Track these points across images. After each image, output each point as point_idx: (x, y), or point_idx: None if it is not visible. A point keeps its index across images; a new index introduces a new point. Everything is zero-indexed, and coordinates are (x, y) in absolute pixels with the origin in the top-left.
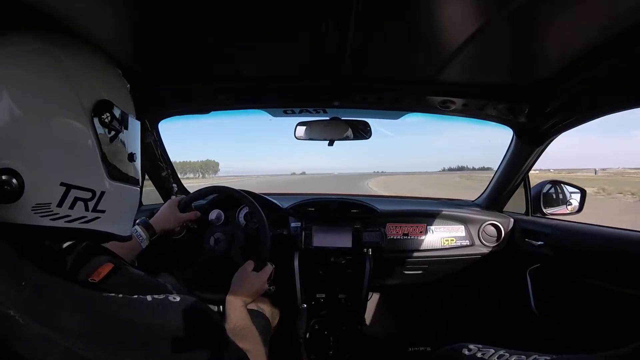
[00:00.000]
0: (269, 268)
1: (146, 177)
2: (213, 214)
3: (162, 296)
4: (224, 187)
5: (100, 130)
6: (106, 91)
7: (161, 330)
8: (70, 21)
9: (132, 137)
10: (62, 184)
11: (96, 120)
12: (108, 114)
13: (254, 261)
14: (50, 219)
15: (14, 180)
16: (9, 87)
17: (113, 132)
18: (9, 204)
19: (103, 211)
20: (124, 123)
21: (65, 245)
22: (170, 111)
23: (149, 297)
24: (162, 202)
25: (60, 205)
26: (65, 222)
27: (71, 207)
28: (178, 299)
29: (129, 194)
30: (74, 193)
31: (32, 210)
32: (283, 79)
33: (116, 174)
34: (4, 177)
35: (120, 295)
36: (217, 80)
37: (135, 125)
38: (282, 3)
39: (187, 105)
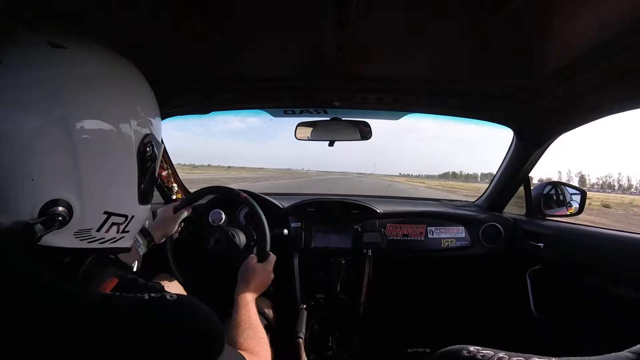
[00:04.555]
0: (273, 257)
1: None
2: (213, 214)
3: (159, 294)
4: (222, 187)
5: (142, 163)
6: (150, 122)
7: (157, 327)
8: (69, 21)
9: (159, 161)
10: (105, 212)
11: (141, 155)
12: (150, 148)
13: (257, 253)
14: (88, 242)
15: (66, 211)
16: (71, 123)
17: (150, 162)
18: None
19: (128, 232)
20: (159, 152)
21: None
22: (170, 111)
23: (146, 296)
24: (163, 201)
25: (99, 230)
26: (99, 243)
27: (107, 230)
28: (175, 297)
29: (147, 213)
30: (112, 219)
31: (74, 235)
32: (283, 79)
33: (144, 199)
34: (60, 209)
35: (117, 294)
36: (218, 80)
37: (161, 149)
38: (282, 3)
39: (188, 105)
